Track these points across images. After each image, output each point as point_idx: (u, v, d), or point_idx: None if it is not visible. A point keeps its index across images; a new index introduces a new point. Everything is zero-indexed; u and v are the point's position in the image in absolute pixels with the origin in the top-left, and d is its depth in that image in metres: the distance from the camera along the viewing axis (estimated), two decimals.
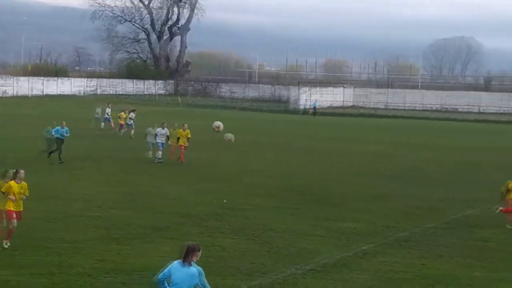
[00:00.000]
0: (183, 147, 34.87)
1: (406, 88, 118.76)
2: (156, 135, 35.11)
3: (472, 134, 63.34)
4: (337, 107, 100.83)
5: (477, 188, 30.29)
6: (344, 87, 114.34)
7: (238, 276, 15.59)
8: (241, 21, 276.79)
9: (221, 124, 40.13)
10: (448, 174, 35.02)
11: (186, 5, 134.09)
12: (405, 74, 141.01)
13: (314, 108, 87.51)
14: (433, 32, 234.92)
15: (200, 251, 10.96)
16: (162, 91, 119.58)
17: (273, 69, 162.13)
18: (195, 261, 10.86)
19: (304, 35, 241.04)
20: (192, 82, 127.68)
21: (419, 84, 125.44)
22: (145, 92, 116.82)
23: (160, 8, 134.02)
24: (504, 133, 65.87)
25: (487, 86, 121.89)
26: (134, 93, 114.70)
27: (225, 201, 24.65)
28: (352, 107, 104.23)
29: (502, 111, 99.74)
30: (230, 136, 38.78)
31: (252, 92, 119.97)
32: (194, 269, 10.75)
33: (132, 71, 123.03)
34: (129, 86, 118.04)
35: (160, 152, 34.79)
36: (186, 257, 10.75)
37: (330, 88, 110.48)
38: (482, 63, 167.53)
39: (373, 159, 40.54)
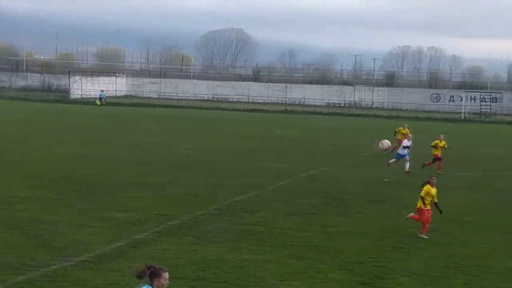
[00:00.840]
0: None
1: (180, 78, 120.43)
2: None
3: (242, 123, 65.51)
4: (111, 97, 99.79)
5: (247, 175, 31.43)
6: (116, 76, 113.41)
7: (5, 271, 14.97)
8: (10, 7, 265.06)
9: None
10: (219, 161, 35.93)
11: None
12: (178, 65, 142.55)
13: (101, 98, 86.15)
14: (205, 23, 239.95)
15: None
16: None
17: (44, 57, 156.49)
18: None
19: (76, 23, 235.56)
20: None
21: (192, 74, 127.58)
22: None
23: None
24: (273, 121, 68.81)
25: (256, 76, 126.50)
26: None
27: None
28: (126, 96, 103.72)
29: (270, 101, 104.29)
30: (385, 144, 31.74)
31: (21, 81, 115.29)
32: None
33: None
34: None
35: None
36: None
37: (103, 78, 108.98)
38: (251, 55, 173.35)
39: (148, 148, 40.65)
